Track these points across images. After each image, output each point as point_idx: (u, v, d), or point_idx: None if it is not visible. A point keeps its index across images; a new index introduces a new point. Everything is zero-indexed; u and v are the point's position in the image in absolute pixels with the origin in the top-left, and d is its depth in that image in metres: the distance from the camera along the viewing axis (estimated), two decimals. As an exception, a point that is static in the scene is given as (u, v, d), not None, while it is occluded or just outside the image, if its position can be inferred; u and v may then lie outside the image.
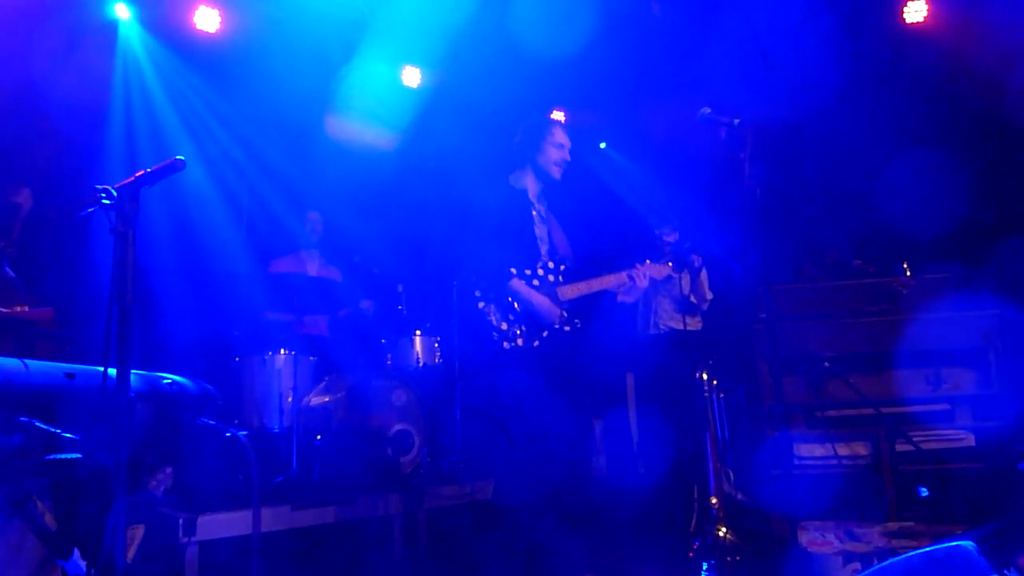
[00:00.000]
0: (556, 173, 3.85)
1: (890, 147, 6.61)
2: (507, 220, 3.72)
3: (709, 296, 6.06)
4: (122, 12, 5.63)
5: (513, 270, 3.67)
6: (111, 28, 5.60)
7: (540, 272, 3.76)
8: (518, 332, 3.55)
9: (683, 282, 6.07)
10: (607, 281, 3.82)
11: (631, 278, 3.81)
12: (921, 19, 6.46)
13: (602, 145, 8.30)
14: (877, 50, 6.74)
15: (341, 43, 6.32)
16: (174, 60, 5.88)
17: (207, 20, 5.82)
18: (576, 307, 3.76)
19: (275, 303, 5.39)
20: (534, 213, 3.83)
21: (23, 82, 4.77)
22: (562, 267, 3.79)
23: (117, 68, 5.56)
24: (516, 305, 3.60)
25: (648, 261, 3.87)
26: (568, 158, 3.87)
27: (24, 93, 4.75)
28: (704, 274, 5.97)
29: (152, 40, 5.78)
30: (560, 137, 3.85)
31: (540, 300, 3.65)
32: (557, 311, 3.65)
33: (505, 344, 3.52)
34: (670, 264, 3.97)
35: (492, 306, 3.62)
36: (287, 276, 5.43)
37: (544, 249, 3.81)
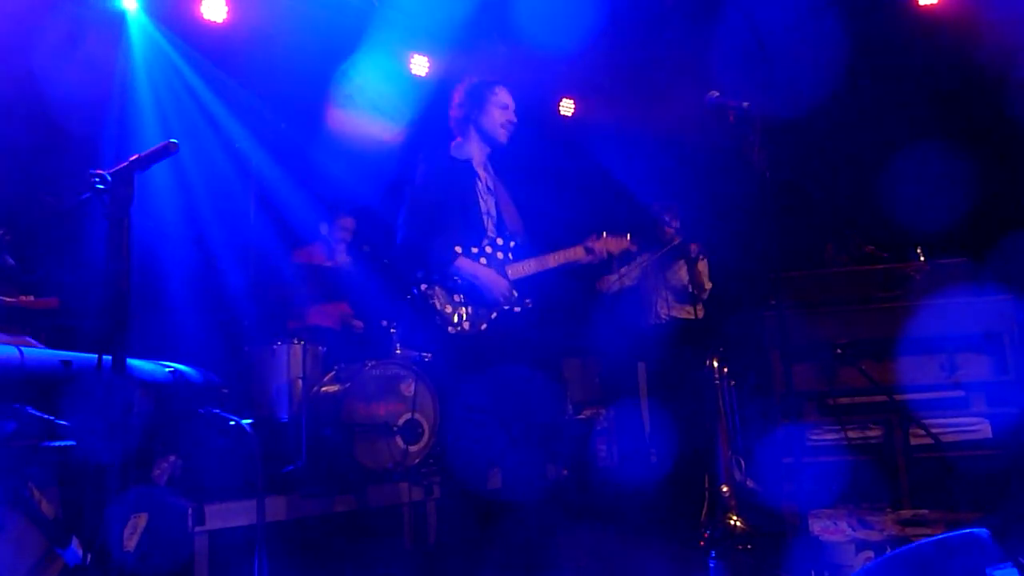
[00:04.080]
0: (503, 136, 3.61)
1: (902, 133, 6.53)
2: (448, 194, 3.50)
3: (708, 285, 6.02)
4: (129, 3, 5.60)
5: (458, 248, 3.43)
6: (118, 19, 5.58)
7: (488, 249, 3.51)
8: (463, 315, 3.33)
9: (681, 271, 6.05)
10: (559, 257, 3.56)
11: (588, 250, 3.56)
12: (935, 1, 6.36)
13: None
14: (889, 34, 6.65)
15: (349, 31, 6.29)
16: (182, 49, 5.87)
17: (214, 10, 5.81)
18: (528, 286, 3.53)
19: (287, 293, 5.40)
20: (479, 184, 3.59)
21: (26, 73, 4.76)
22: (512, 243, 3.56)
23: (122, 59, 5.54)
24: (460, 284, 3.38)
25: (604, 234, 3.59)
26: (514, 119, 3.62)
27: (27, 84, 4.74)
28: (704, 263, 5.93)
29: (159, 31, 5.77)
30: (504, 97, 3.62)
31: (487, 275, 3.41)
32: (506, 285, 3.42)
33: (449, 329, 3.30)
34: (628, 236, 3.66)
35: (436, 288, 3.40)
36: (301, 267, 5.44)
37: (491, 224, 3.57)
